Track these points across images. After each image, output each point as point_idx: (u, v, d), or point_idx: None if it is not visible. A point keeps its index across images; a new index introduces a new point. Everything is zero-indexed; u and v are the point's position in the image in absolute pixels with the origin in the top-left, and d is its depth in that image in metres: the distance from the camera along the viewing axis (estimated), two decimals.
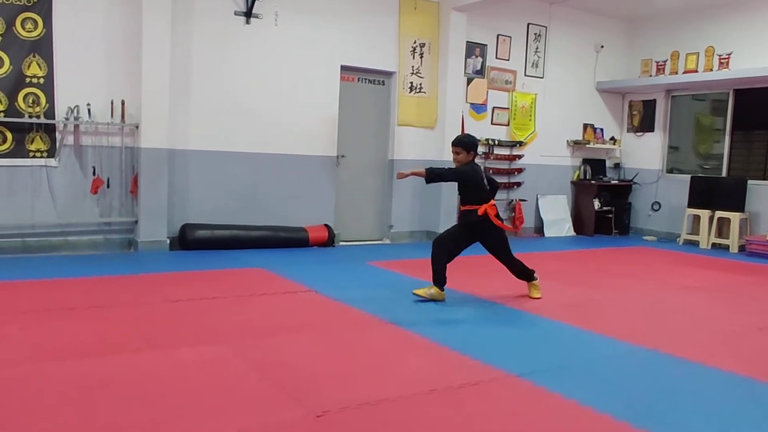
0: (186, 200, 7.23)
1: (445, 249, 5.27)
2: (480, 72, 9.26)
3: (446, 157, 8.78)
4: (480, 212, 5.16)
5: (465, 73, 9.01)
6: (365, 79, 8.53)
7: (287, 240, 7.56)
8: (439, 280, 5.19)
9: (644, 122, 10.73)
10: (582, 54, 10.35)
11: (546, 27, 9.83)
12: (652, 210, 10.55)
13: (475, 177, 5.19)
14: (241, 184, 7.56)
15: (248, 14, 7.37)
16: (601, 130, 10.76)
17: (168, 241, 7.00)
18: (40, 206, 6.56)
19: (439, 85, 8.84)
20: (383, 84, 8.68)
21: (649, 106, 10.63)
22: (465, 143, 5.24)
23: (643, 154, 10.73)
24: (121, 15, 6.72)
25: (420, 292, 5.22)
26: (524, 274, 5.47)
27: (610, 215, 10.49)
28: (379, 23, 8.34)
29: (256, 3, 7.31)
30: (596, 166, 10.66)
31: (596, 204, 10.32)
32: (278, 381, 3.27)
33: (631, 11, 10.21)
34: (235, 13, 7.34)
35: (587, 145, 10.49)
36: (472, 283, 5.94)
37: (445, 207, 8.89)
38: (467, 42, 8.92)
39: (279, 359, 3.61)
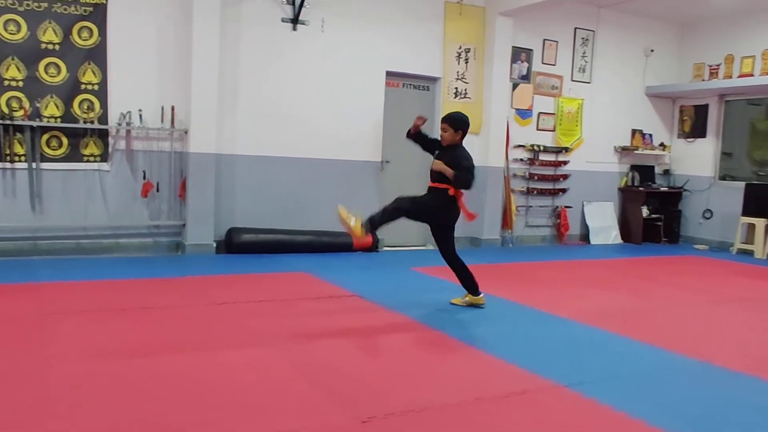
0: (232, 204, 7.34)
1: (402, 206, 4.96)
2: (526, 77, 9.17)
3: (491, 163, 8.74)
4: (451, 192, 4.88)
5: (510, 78, 8.93)
6: (410, 84, 8.53)
7: (331, 245, 7.59)
8: (375, 224, 4.84)
9: (696, 128, 10.44)
10: (631, 58, 10.14)
11: (594, 31, 9.67)
12: (704, 218, 10.25)
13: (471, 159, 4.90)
14: (286, 189, 7.63)
15: (295, 21, 7.45)
16: (650, 135, 10.51)
17: (214, 245, 7.12)
18: (93, 209, 6.75)
19: (484, 90, 8.77)
20: (428, 89, 8.66)
21: (701, 111, 10.34)
22: (455, 120, 4.91)
23: (694, 161, 10.43)
24: (171, 23, 6.88)
25: (457, 301, 5.22)
26: (469, 281, 5.12)
27: (659, 223, 10.23)
28: (424, 29, 8.33)
29: (303, 10, 7.39)
30: (645, 172, 10.42)
31: (644, 211, 10.09)
32: (324, 385, 3.28)
33: (684, 14, 9.96)
34: (282, 20, 7.44)
35: (635, 151, 10.26)
36: (517, 291, 5.86)
37: (489, 213, 8.82)
38: (513, 47, 8.83)
39: (324, 363, 3.63)
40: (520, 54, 9.02)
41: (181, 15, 6.86)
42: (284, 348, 3.85)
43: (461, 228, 8.84)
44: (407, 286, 6.06)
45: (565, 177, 9.66)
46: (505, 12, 8.50)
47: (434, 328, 4.45)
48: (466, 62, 8.69)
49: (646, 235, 10.15)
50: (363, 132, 8.04)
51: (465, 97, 8.74)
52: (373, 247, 7.92)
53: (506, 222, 9.14)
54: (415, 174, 8.65)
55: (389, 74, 8.20)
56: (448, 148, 4.96)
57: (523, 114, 9.25)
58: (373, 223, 4.77)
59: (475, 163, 8.53)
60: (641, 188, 10.16)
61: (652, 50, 10.24)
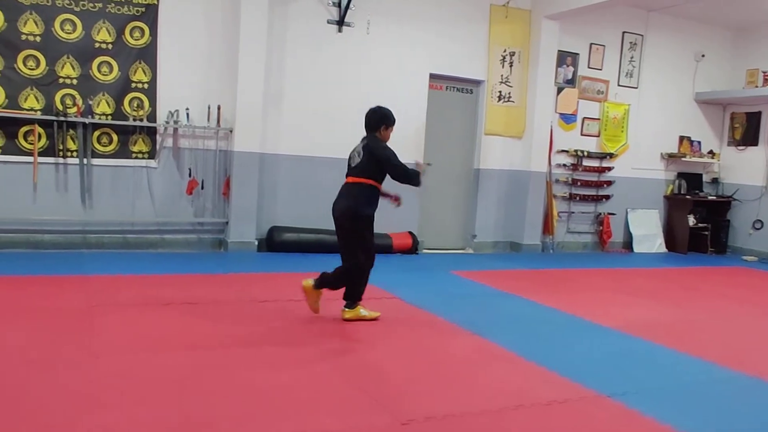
0: (274, 203, 7.42)
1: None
2: (571, 81, 9.05)
3: (534, 167, 8.66)
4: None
5: (555, 82, 8.83)
6: (453, 87, 8.51)
7: None
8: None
9: (747, 135, 10.14)
10: (680, 63, 9.91)
11: (642, 35, 9.49)
12: (754, 228, 9.95)
13: None
14: (327, 189, 7.61)
15: (340, 23, 7.50)
16: (699, 143, 10.25)
17: (256, 243, 7.20)
18: (140, 205, 6.90)
19: (528, 94, 8.69)
20: (471, 92, 8.62)
21: (754, 119, 10.04)
22: (391, 117, 5.06)
23: (745, 169, 10.14)
24: (219, 24, 7.00)
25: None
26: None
27: (706, 233, 9.97)
28: (469, 32, 8.29)
29: (349, 12, 7.43)
30: (692, 180, 10.17)
31: (691, 220, 9.84)
32: (364, 386, 3.29)
33: (737, 18, 9.69)
34: (328, 22, 7.49)
35: (683, 159, 10.02)
36: (558, 298, 5.79)
37: (530, 218, 8.73)
38: (559, 51, 8.73)
39: (365, 364, 3.64)
40: (565, 58, 8.91)
41: (230, 16, 6.97)
42: (325, 348, 3.88)
43: (501, 232, 8.87)
44: (447, 289, 6.04)
45: (609, 183, 9.50)
46: (551, 15, 8.40)
47: (475, 333, 4.42)
48: (511, 65, 8.62)
49: (692, 245, 9.90)
50: (405, 134, 8.00)
51: (509, 101, 8.67)
52: (413, 249, 7.91)
53: (547, 227, 9.03)
54: (456, 177, 8.64)
55: (433, 77, 8.18)
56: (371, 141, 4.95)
57: (568, 119, 9.13)
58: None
59: (518, 167, 8.70)
60: (688, 196, 9.92)
61: (703, 55, 9.99)
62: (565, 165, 9.15)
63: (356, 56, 7.65)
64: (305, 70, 7.44)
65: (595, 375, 3.69)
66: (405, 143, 8.01)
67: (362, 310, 4.59)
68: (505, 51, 8.54)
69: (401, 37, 7.86)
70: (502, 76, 8.58)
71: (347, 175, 4.77)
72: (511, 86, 8.65)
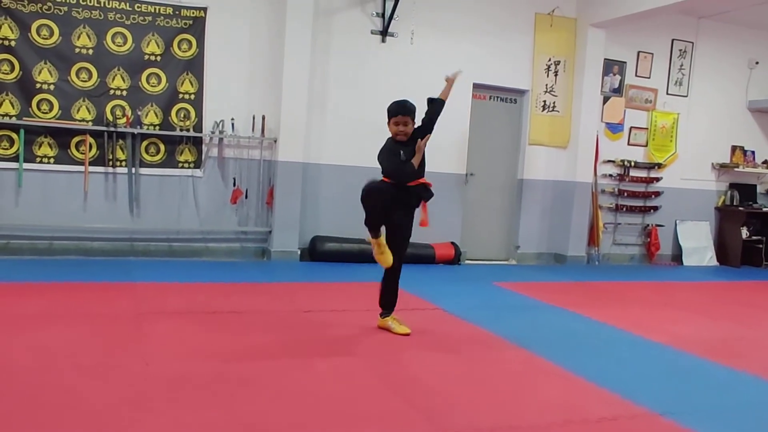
0: (317, 213, 7.45)
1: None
2: (617, 90, 8.87)
3: (579, 178, 8.51)
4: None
5: (602, 91, 8.67)
6: (497, 97, 8.43)
7: (413, 256, 7.52)
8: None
9: None
10: (732, 71, 9.62)
11: (692, 43, 9.25)
12: None
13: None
14: None
15: (384, 33, 7.52)
16: (753, 152, 9.93)
17: (299, 252, 7.24)
18: (186, 213, 7.01)
19: (573, 103, 8.55)
20: (515, 102, 8.53)
21: None
22: (412, 111, 4.57)
23: None
24: (265, 36, 7.09)
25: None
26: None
27: (761, 245, 9.62)
28: (513, 41, 8.22)
29: (393, 22, 7.45)
30: (745, 191, 9.84)
31: (744, 233, 9.51)
32: (408, 397, 3.25)
33: None
34: (372, 32, 7.52)
35: (735, 169, 9.71)
36: (605, 311, 5.64)
37: (575, 227, 8.57)
38: (605, 59, 8.57)
39: (409, 376, 3.60)
40: (612, 66, 8.75)
41: (275, 27, 7.05)
42: (369, 358, 3.85)
43: (545, 243, 8.72)
44: (491, 301, 5.96)
45: (657, 194, 9.26)
46: (597, 23, 8.27)
47: (520, 346, 4.33)
48: (556, 75, 8.51)
49: (746, 258, 9.57)
50: (448, 144, 7.98)
51: (553, 110, 8.55)
52: (455, 260, 7.84)
53: (593, 239, 8.85)
54: (499, 187, 8.54)
55: (476, 86, 8.12)
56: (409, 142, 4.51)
57: (614, 128, 8.95)
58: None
59: (563, 178, 8.55)
60: (741, 208, 9.60)
61: (756, 62, 9.68)
62: (611, 175, 8.97)
63: (399, 66, 7.65)
64: (349, 81, 7.47)
65: (646, 392, 3.57)
66: (448, 154, 7.99)
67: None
68: (549, 60, 8.43)
69: (445, 47, 7.83)
70: (546, 85, 8.47)
71: None
72: (555, 96, 8.53)
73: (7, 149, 6.35)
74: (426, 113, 4.69)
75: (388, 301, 4.57)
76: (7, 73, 6.27)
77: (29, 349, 3.57)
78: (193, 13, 6.79)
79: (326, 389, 3.29)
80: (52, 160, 6.50)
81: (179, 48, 6.79)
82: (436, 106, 4.76)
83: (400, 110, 4.46)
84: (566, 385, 3.64)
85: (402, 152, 4.42)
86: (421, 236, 7.79)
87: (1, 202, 6.38)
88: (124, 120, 6.63)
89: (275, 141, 7.12)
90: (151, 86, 6.73)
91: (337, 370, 3.60)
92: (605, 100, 8.79)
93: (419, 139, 4.46)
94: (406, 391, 3.35)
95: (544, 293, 6.29)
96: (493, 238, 8.63)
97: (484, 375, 3.74)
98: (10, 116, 6.30)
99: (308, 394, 3.20)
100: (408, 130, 4.43)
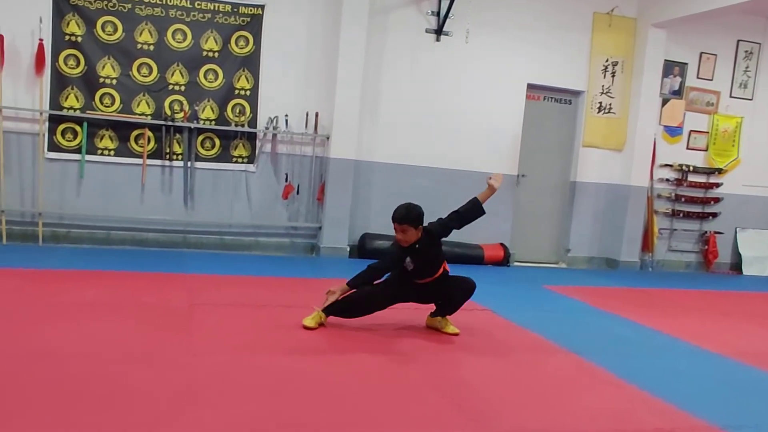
0: (367, 210, 7.48)
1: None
2: (677, 92, 8.61)
3: (634, 181, 8.31)
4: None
5: (661, 93, 8.43)
6: (551, 98, 8.30)
7: (462, 256, 7.52)
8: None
9: None
10: None
11: (760, 44, 8.91)
12: None
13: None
14: (420, 197, 7.54)
15: (439, 32, 7.48)
16: None
17: (348, 249, 7.27)
18: (238, 208, 7.13)
19: (630, 105, 8.35)
20: (570, 103, 8.38)
21: None
22: (412, 219, 4.19)
23: None
24: (320, 33, 7.14)
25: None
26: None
27: None
28: (569, 41, 8.07)
29: (448, 21, 7.41)
30: None
31: None
32: (455, 400, 3.22)
33: None
34: (426, 31, 7.50)
35: None
36: (659, 319, 5.48)
37: (629, 232, 8.37)
38: (665, 60, 8.34)
39: (456, 377, 3.57)
40: (672, 68, 8.50)
41: (330, 25, 7.10)
42: (416, 357, 3.83)
43: (597, 248, 8.54)
44: (541, 304, 5.87)
45: (717, 200, 8.96)
46: (658, 23, 8.04)
47: (570, 351, 4.25)
48: (613, 76, 8.32)
49: None
50: (500, 145, 7.91)
51: (609, 112, 8.36)
52: (504, 261, 7.76)
53: (646, 244, 8.63)
54: (550, 189, 8.41)
55: (530, 87, 8.02)
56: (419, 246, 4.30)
57: (672, 131, 8.70)
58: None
59: (617, 181, 8.35)
60: None
61: None
62: (668, 180, 8.72)
63: (453, 65, 7.61)
64: (402, 79, 7.47)
65: (705, 404, 3.45)
66: (500, 155, 7.91)
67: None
68: (607, 60, 8.25)
69: (500, 47, 7.76)
70: (603, 86, 8.29)
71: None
72: (612, 97, 8.34)
73: (71, 141, 6.57)
74: (460, 212, 4.58)
75: None
76: (73, 68, 6.49)
77: (83, 336, 3.67)
78: (251, 10, 6.89)
79: (371, 387, 3.29)
80: (112, 153, 6.70)
81: (236, 45, 6.90)
82: (473, 212, 4.60)
83: (395, 218, 4.20)
84: (618, 393, 3.55)
85: (409, 259, 4.29)
86: (470, 236, 7.77)
87: (64, 193, 6.61)
88: (182, 115, 6.78)
89: (328, 138, 7.17)
90: (209, 82, 6.87)
91: (384, 369, 3.59)
92: (664, 102, 8.55)
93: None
94: (453, 392, 3.32)
95: (596, 298, 6.16)
96: (544, 240, 8.50)
97: (532, 379, 3.68)
98: (75, 109, 6.52)
99: (354, 392, 3.20)
100: (407, 237, 4.19)
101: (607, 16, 8.14)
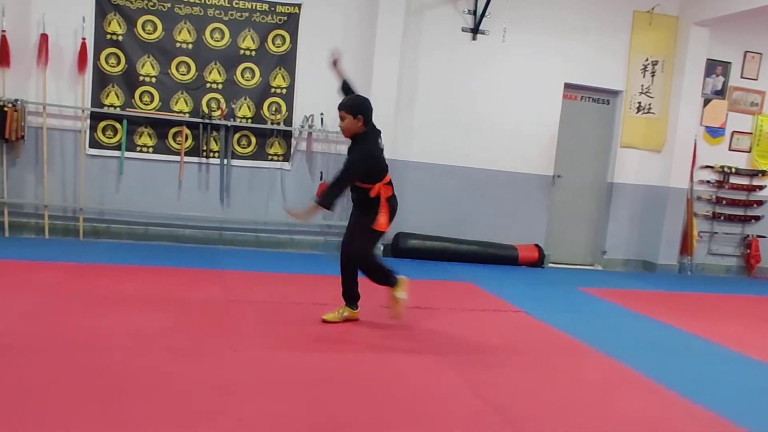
0: (402, 209, 7.30)
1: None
2: (720, 92, 8.41)
3: (673, 183, 8.15)
4: (372, 193, 4.16)
5: (702, 93, 8.24)
6: (589, 97, 8.18)
7: (496, 257, 7.47)
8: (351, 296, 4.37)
9: None
10: None
11: None
12: None
13: (375, 155, 4.12)
14: (454, 198, 7.63)
15: (475, 30, 7.43)
16: None
17: (381, 248, 7.27)
18: (273, 206, 7.18)
19: (671, 105, 8.18)
20: (608, 103, 8.25)
21: None
22: (349, 105, 4.11)
23: None
24: (356, 31, 7.15)
25: (330, 317, 4.32)
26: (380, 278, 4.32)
27: None
28: (608, 40, 7.94)
29: (485, 19, 7.35)
30: None
31: None
32: (491, 401, 3.19)
33: None
34: (462, 30, 7.45)
35: None
36: (699, 324, 5.36)
37: (667, 235, 8.21)
38: (708, 59, 8.15)
39: (491, 378, 3.55)
40: (715, 67, 8.30)
41: (366, 24, 7.11)
42: (452, 358, 3.82)
43: (634, 250, 8.39)
44: (576, 306, 5.79)
45: (760, 203, 8.72)
46: (701, 22, 7.86)
47: (607, 355, 4.18)
48: (653, 75, 8.16)
49: None
50: (536, 144, 7.83)
51: (648, 112, 8.21)
52: (539, 262, 7.68)
53: (685, 247, 8.45)
54: (587, 190, 8.30)
55: (567, 86, 7.91)
56: (352, 140, 4.23)
57: (714, 132, 8.50)
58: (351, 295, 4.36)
59: (656, 183, 8.18)
60: None
61: None
62: (708, 182, 8.52)
63: (490, 64, 7.56)
64: (438, 78, 7.44)
65: (747, 412, 3.36)
66: (536, 154, 7.83)
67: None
68: (647, 60, 8.10)
69: (537, 46, 7.67)
70: (642, 86, 8.14)
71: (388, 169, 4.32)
72: (651, 97, 8.18)
73: (111, 138, 6.70)
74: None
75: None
76: (114, 66, 6.61)
77: (125, 330, 3.75)
78: (288, 9, 6.94)
79: (408, 386, 3.29)
80: (151, 150, 6.81)
81: (273, 43, 6.96)
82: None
83: (339, 105, 4.22)
84: (657, 399, 3.48)
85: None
86: (504, 237, 7.72)
87: (104, 188, 6.75)
88: (219, 113, 6.86)
89: None
90: (246, 80, 6.93)
91: (420, 368, 3.58)
92: (706, 102, 8.36)
93: None
94: (488, 393, 3.30)
95: (633, 301, 6.06)
96: (579, 242, 8.39)
97: (568, 382, 3.63)
98: (115, 107, 6.64)
99: (389, 391, 3.20)
100: (345, 125, 4.17)
101: (648, 15, 8.00)
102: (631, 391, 3.58)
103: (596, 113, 8.24)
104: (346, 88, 4.51)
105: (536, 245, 7.75)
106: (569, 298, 6.14)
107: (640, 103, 8.17)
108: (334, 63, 4.49)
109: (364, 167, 4.10)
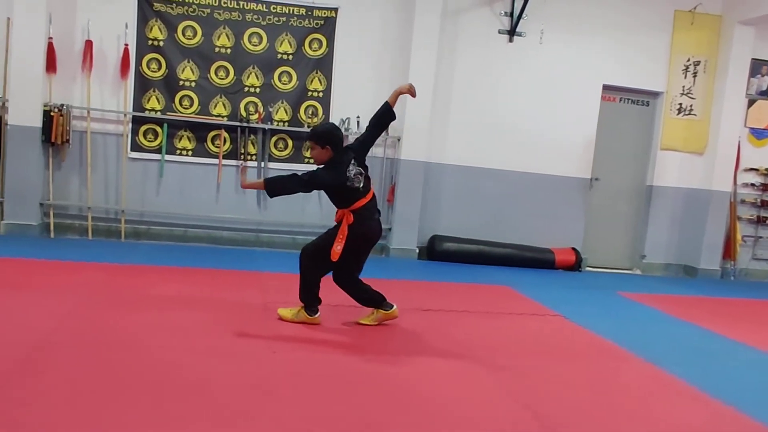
0: (436, 212, 7.45)
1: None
2: (766, 93, 8.19)
3: (716, 186, 7.97)
4: (336, 217, 4.19)
5: (747, 93, 8.04)
6: (628, 99, 8.05)
7: (532, 260, 7.40)
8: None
9: None
10: None
11: None
12: None
13: (336, 182, 4.07)
14: (490, 200, 7.59)
15: (512, 33, 7.39)
16: None
17: (417, 250, 7.27)
18: (309, 208, 7.23)
19: (713, 106, 7.99)
20: (647, 105, 8.10)
21: None
22: (317, 134, 4.11)
23: None
24: (392, 34, 7.17)
25: (284, 314, 4.28)
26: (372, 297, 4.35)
27: None
28: (648, 40, 7.80)
29: (522, 21, 7.30)
30: None
31: None
32: (530, 406, 3.16)
33: None
34: (499, 32, 7.41)
35: None
36: (744, 331, 5.23)
37: (709, 239, 8.01)
38: (752, 59, 7.94)
39: (530, 383, 3.51)
40: (760, 67, 8.09)
41: (402, 27, 7.12)
42: (489, 362, 3.79)
43: (674, 254, 8.22)
44: (615, 311, 5.70)
45: None
46: (746, 20, 7.67)
47: (649, 362, 4.11)
48: (695, 76, 7.99)
49: None
50: (573, 147, 7.74)
51: (690, 114, 8.04)
52: (576, 266, 7.58)
53: (728, 252, 8.25)
54: (625, 193, 8.17)
55: (606, 88, 7.80)
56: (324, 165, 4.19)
57: (759, 134, 8.29)
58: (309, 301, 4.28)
59: (697, 186, 8.01)
60: None
61: None
62: (753, 185, 8.30)
63: (527, 66, 7.50)
64: (474, 80, 7.41)
65: None
66: (574, 157, 7.74)
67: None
68: (688, 60, 7.94)
69: (575, 47, 7.59)
70: (683, 87, 7.98)
71: (364, 195, 4.19)
72: (693, 98, 8.02)
73: (152, 141, 6.84)
74: (375, 117, 4.48)
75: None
76: (155, 71, 6.75)
77: (165, 329, 3.82)
78: (325, 13, 6.99)
79: (445, 391, 3.28)
80: (190, 153, 6.93)
81: (310, 47, 7.02)
82: (386, 117, 4.50)
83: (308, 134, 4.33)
84: (701, 407, 3.41)
85: (354, 172, 4.18)
86: (540, 240, 7.65)
87: (145, 191, 6.89)
88: (257, 116, 6.95)
89: (398, 139, 7.19)
90: (283, 84, 7.00)
91: (457, 372, 3.57)
92: (751, 103, 8.15)
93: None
94: (527, 397, 3.27)
95: (674, 306, 5.94)
96: (617, 245, 8.25)
97: (608, 388, 3.58)
98: (156, 111, 6.78)
99: (426, 394, 3.19)
100: (315, 155, 4.21)
101: (690, 14, 7.84)
102: (674, 399, 3.51)
103: (635, 115, 8.10)
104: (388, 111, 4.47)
105: (573, 248, 7.66)
106: (608, 303, 6.05)
107: (681, 104, 8.01)
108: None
109: (312, 188, 4.25)
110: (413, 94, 4.46)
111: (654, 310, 5.83)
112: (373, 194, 4.27)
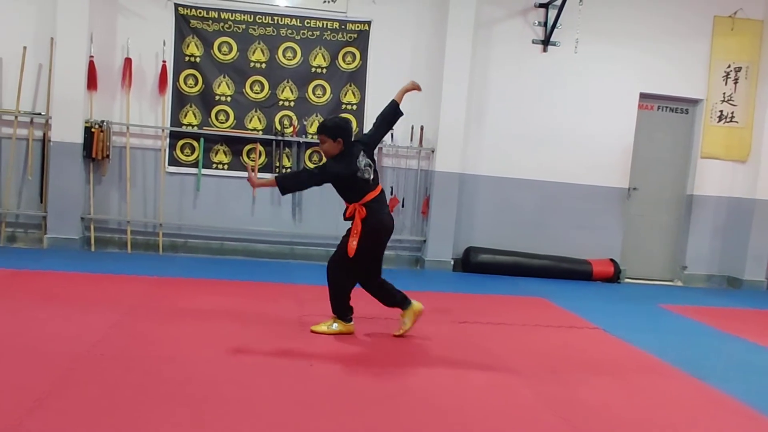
0: (471, 223, 7.40)
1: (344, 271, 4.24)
2: None
3: (759, 195, 7.75)
4: (347, 213, 4.19)
5: None
6: (666, 107, 7.90)
7: (570, 272, 7.28)
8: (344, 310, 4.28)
9: None
10: None
11: None
12: None
13: (347, 172, 4.04)
14: (526, 211, 7.51)
15: (546, 42, 7.33)
16: None
17: (452, 262, 7.22)
18: (343, 222, 7.22)
19: (756, 113, 7.80)
20: (686, 112, 7.94)
21: None
22: (328, 128, 4.12)
23: None
24: (425, 47, 7.18)
25: (319, 329, 4.26)
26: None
27: None
28: (686, 47, 7.66)
29: (555, 31, 7.24)
30: None
31: None
32: (570, 421, 3.10)
33: None
34: (533, 42, 7.36)
35: None
36: None
37: (753, 249, 7.79)
38: None
39: (570, 397, 3.44)
40: None
41: (435, 39, 7.12)
42: (528, 375, 3.73)
43: (717, 265, 8.00)
44: (656, 324, 5.56)
45: None
46: None
47: (691, 375, 3.99)
48: (735, 82, 7.81)
49: None
50: (610, 156, 7.62)
51: (731, 121, 7.85)
52: (615, 278, 7.44)
53: None
54: (664, 203, 8.00)
55: (643, 96, 7.67)
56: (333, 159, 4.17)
57: None
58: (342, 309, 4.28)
59: (741, 194, 7.80)
60: None
61: None
62: None
63: (561, 76, 7.42)
64: (508, 91, 7.37)
65: None
66: (610, 166, 7.62)
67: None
68: (729, 66, 7.76)
69: (611, 55, 7.49)
70: (724, 94, 7.81)
71: (373, 188, 4.19)
72: (735, 105, 7.83)
73: (188, 156, 6.94)
74: (381, 115, 4.69)
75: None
76: (192, 87, 6.87)
77: (206, 341, 3.85)
78: (358, 26, 7.04)
79: (484, 404, 3.23)
80: (226, 167, 7.02)
81: (344, 60, 7.06)
82: (393, 114, 4.71)
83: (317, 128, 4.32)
84: (752, 426, 3.29)
85: (363, 163, 4.21)
86: (577, 251, 7.53)
87: (182, 205, 6.99)
88: (291, 130, 7.01)
89: (433, 151, 7.17)
90: (317, 97, 7.06)
91: (495, 385, 3.52)
92: None
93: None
94: (567, 412, 3.20)
95: (718, 319, 5.78)
96: (657, 256, 8.08)
97: (651, 403, 3.48)
98: (193, 126, 6.89)
99: (465, 408, 3.15)
100: (325, 149, 4.18)
101: (730, 20, 7.67)
102: (722, 416, 3.40)
103: (674, 123, 7.95)
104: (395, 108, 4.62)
105: (611, 260, 7.52)
106: (649, 315, 5.91)
107: (722, 111, 7.84)
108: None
109: (323, 180, 4.15)
110: (419, 89, 4.64)
111: (697, 323, 5.67)
112: (382, 189, 4.30)
